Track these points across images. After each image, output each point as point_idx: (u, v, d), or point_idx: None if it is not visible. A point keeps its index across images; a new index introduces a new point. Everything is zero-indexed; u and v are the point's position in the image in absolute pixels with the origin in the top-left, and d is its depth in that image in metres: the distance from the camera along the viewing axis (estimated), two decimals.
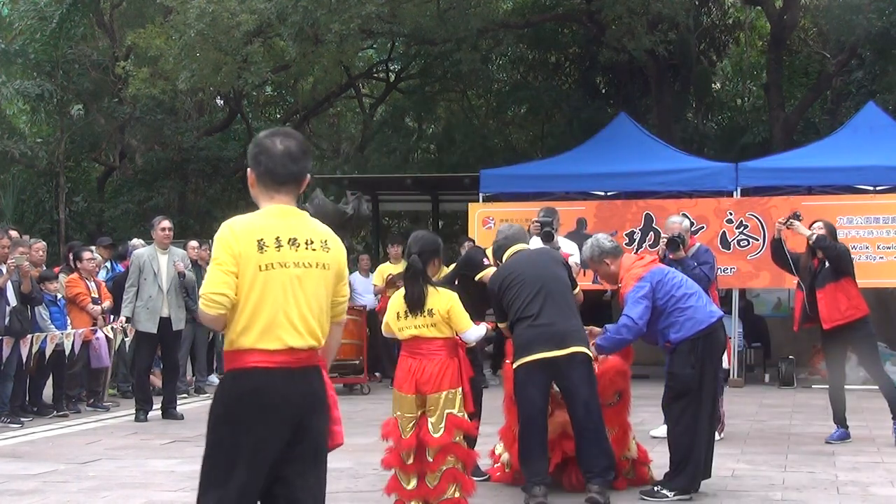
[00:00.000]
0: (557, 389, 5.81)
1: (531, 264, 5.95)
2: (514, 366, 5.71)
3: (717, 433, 7.62)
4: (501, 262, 6.05)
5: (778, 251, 8.06)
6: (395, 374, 5.41)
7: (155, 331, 9.46)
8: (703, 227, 11.61)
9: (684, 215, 11.66)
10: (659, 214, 11.85)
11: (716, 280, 8.12)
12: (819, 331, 7.94)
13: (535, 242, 7.94)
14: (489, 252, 6.34)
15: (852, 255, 8.15)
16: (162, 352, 9.89)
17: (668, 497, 5.84)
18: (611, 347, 5.99)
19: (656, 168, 12.26)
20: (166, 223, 9.68)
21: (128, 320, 9.70)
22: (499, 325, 6.07)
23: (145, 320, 9.44)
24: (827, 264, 7.75)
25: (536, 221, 7.78)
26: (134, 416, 9.50)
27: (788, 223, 7.83)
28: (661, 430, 7.76)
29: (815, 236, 7.72)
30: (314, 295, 3.32)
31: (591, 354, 5.78)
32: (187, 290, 9.83)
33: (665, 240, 7.88)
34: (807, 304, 7.79)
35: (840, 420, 7.83)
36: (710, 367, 5.93)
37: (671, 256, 7.75)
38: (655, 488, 5.92)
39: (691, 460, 5.84)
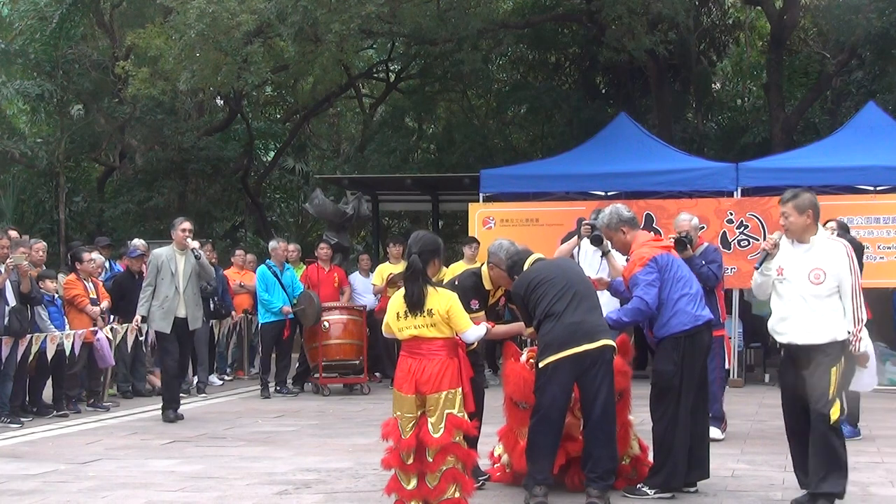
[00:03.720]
0: None
1: (555, 267, 6.04)
2: (542, 363, 5.70)
3: (720, 432, 7.65)
4: (518, 276, 6.03)
5: None
6: (395, 374, 5.41)
7: (168, 330, 9.41)
8: (703, 228, 11.56)
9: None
10: (659, 214, 11.85)
11: (723, 280, 8.14)
12: None
13: (585, 245, 7.89)
14: (484, 270, 6.30)
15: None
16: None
17: (648, 495, 5.91)
18: (617, 327, 6.09)
19: (656, 168, 12.25)
20: (187, 224, 9.63)
21: (143, 319, 9.59)
22: (525, 330, 6.06)
23: (160, 320, 9.40)
24: None
25: (587, 224, 7.49)
26: (161, 415, 9.45)
27: None
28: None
29: (834, 235, 7.85)
30: None
31: (616, 349, 5.85)
32: (205, 282, 9.84)
33: (672, 239, 7.88)
34: None
35: (853, 419, 7.89)
36: (691, 367, 5.95)
37: (679, 257, 7.75)
38: (638, 486, 5.99)
39: (670, 458, 5.89)
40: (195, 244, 9.66)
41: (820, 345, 5.44)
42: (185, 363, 10.00)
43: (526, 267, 6.00)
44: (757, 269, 5.82)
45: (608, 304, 6.78)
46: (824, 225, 8.09)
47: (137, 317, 9.63)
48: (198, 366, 11.97)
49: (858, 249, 8.07)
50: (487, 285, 6.24)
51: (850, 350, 5.50)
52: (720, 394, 7.83)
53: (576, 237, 8.15)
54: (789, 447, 5.83)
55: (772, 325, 5.64)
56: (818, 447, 5.46)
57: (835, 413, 5.39)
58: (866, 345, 5.59)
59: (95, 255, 11.02)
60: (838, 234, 7.99)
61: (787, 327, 5.54)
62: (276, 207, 23.86)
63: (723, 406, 7.92)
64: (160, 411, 9.64)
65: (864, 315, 5.49)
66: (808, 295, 5.47)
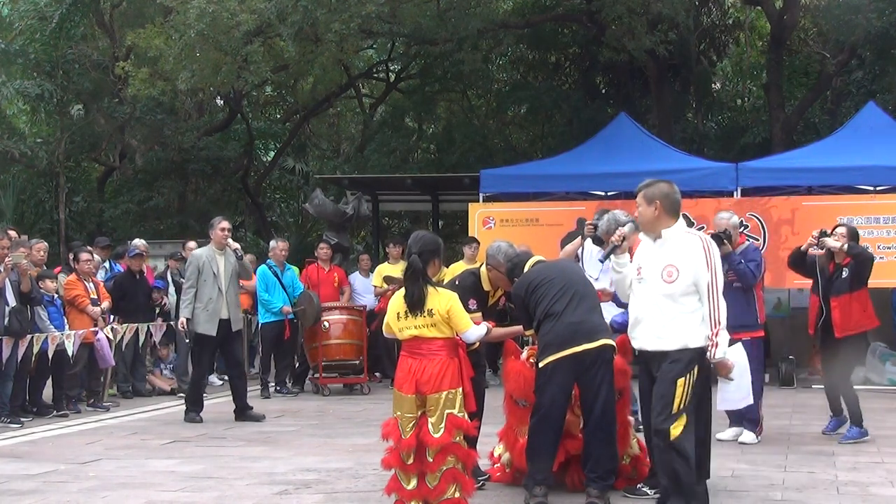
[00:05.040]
0: None
1: (556, 268, 6.03)
2: (542, 363, 5.70)
3: (755, 436, 7.63)
4: (518, 279, 6.01)
5: (800, 260, 8.15)
6: (396, 374, 5.41)
7: (214, 333, 9.27)
8: (703, 228, 11.60)
9: (684, 214, 11.67)
10: None
11: (762, 280, 8.00)
12: (822, 335, 7.99)
13: (588, 245, 7.89)
14: (483, 270, 6.30)
15: None
16: (223, 353, 9.80)
17: (648, 494, 5.90)
18: (625, 329, 6.05)
19: (656, 168, 12.19)
20: (226, 223, 9.53)
21: (188, 322, 9.38)
22: (525, 331, 6.06)
23: (205, 322, 9.24)
24: (844, 273, 7.85)
25: (590, 224, 7.48)
26: (184, 416, 9.35)
27: (820, 243, 7.88)
28: (728, 433, 7.76)
29: (846, 246, 7.81)
30: None
31: (616, 348, 5.83)
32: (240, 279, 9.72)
33: (709, 235, 7.84)
34: (823, 308, 7.88)
35: (856, 419, 7.85)
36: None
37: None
38: (638, 486, 5.99)
39: None
40: (236, 245, 9.59)
41: (669, 352, 4.91)
42: (240, 361, 9.78)
43: (526, 269, 6.00)
44: (601, 261, 5.66)
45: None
46: (833, 230, 8.00)
47: (182, 319, 9.42)
48: None
49: (868, 261, 7.97)
50: (486, 286, 6.25)
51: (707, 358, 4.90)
52: (757, 397, 7.71)
53: (579, 238, 8.14)
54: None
55: (629, 328, 5.23)
56: (658, 465, 5.06)
57: (676, 428, 4.89)
58: (733, 354, 4.97)
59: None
60: (847, 242, 7.86)
61: (639, 331, 5.08)
62: (276, 207, 23.87)
63: (760, 409, 7.74)
64: (183, 412, 9.47)
65: (722, 318, 4.83)
66: (660, 295, 4.94)
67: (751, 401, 5.22)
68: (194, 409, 9.38)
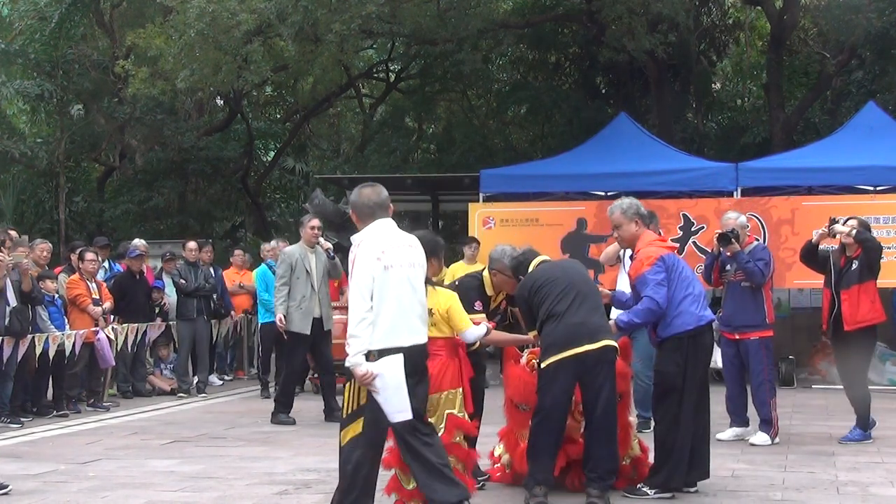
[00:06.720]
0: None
1: (560, 268, 6.04)
2: (544, 364, 5.69)
3: (769, 437, 7.61)
4: (522, 278, 6.02)
5: (811, 254, 8.11)
6: None
7: (308, 332, 9.19)
8: (703, 227, 11.63)
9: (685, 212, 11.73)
10: (659, 214, 11.82)
11: (771, 279, 7.98)
12: (833, 331, 7.94)
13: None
14: (485, 275, 6.29)
15: None
16: (314, 353, 9.66)
17: (648, 495, 5.91)
18: (629, 329, 6.09)
19: (656, 168, 12.25)
20: (316, 221, 9.52)
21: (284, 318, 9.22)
22: (528, 332, 6.07)
23: (299, 321, 9.15)
24: (854, 266, 7.77)
25: None
26: (272, 417, 9.22)
27: (831, 231, 7.81)
28: (728, 433, 7.72)
29: (855, 231, 7.72)
30: None
31: (618, 349, 5.83)
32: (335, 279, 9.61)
33: (717, 234, 7.85)
34: (833, 302, 7.82)
35: (862, 421, 7.82)
36: (694, 368, 5.96)
37: (726, 252, 7.73)
38: (638, 486, 6.00)
39: (671, 458, 5.90)
40: (329, 244, 9.56)
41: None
42: (330, 362, 9.51)
43: (531, 268, 6.00)
44: None
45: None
46: (844, 223, 7.95)
47: (279, 315, 9.20)
48: (198, 366, 11.96)
49: (877, 248, 7.89)
50: (489, 290, 6.24)
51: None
52: (768, 397, 7.66)
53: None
54: None
55: None
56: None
57: (345, 436, 5.00)
58: (384, 366, 4.71)
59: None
60: (857, 233, 7.79)
61: None
62: (276, 207, 23.87)
63: (773, 410, 7.72)
64: (271, 414, 9.28)
65: (352, 323, 4.63)
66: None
67: (407, 416, 4.79)
68: (284, 410, 9.21)
